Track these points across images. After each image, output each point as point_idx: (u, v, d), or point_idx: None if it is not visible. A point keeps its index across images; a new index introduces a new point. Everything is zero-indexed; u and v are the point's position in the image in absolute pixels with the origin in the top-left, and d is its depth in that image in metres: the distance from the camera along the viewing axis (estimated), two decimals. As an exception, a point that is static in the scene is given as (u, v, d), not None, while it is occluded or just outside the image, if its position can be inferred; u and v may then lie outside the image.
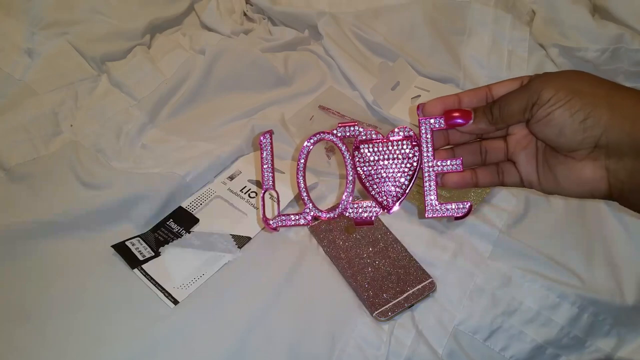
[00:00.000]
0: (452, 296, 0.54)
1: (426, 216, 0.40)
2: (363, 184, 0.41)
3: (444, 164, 0.40)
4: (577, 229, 0.59)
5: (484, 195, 0.61)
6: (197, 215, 0.62)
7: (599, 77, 0.36)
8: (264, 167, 0.41)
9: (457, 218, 0.40)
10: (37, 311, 0.52)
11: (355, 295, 0.54)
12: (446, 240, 0.58)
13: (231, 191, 0.64)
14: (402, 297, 0.53)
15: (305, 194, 0.41)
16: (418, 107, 0.40)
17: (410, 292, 0.53)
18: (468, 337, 0.52)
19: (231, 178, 0.66)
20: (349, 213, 0.40)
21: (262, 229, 0.60)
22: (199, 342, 0.50)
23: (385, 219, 0.60)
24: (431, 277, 0.54)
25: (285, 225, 0.41)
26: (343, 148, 0.41)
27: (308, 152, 0.41)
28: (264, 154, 0.41)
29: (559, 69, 0.77)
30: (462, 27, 0.83)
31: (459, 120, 0.38)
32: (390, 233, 0.58)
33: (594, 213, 0.61)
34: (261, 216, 0.41)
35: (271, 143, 0.41)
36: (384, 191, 0.40)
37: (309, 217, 0.40)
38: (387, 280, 0.54)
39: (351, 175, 0.40)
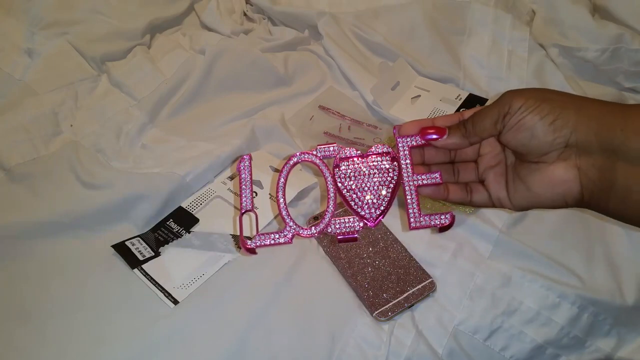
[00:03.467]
0: (452, 296, 0.54)
1: (410, 227, 0.40)
2: (344, 198, 0.41)
3: (423, 177, 0.41)
4: (577, 229, 0.59)
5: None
6: (197, 215, 0.62)
7: (564, 91, 0.38)
8: (243, 188, 0.41)
9: (441, 229, 0.40)
10: (37, 311, 0.52)
11: (355, 295, 0.54)
12: (446, 240, 0.58)
13: (231, 191, 0.64)
14: (402, 297, 0.53)
15: (285, 212, 0.40)
16: (395, 127, 0.42)
17: (410, 292, 0.53)
18: (468, 337, 0.52)
19: (231, 178, 0.66)
20: (331, 229, 0.40)
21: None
22: (199, 342, 0.50)
23: (385, 219, 0.60)
24: (431, 277, 0.54)
25: (264, 245, 0.40)
26: (323, 167, 0.41)
27: (288, 173, 0.41)
28: (243, 175, 0.41)
29: (559, 69, 0.77)
30: (462, 27, 0.83)
31: (434, 135, 0.40)
32: (390, 233, 0.58)
33: (594, 213, 0.61)
34: (239, 239, 0.40)
35: (250, 166, 0.41)
36: (366, 203, 0.40)
37: (290, 235, 0.40)
38: (387, 280, 0.54)
39: (332, 193, 0.41)
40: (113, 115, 0.75)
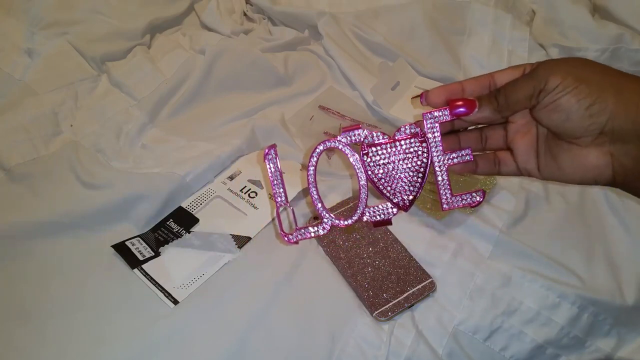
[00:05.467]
0: (452, 296, 0.54)
1: (443, 209, 0.40)
2: (376, 187, 0.41)
3: (454, 156, 0.40)
4: (577, 229, 0.59)
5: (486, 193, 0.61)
6: (197, 215, 0.62)
7: (604, 65, 0.36)
8: (274, 182, 0.40)
9: (473, 206, 0.40)
10: (37, 311, 0.52)
11: (355, 295, 0.54)
12: (446, 240, 0.58)
13: (231, 191, 0.64)
14: (402, 297, 0.52)
15: (319, 204, 0.40)
16: (421, 95, 0.40)
17: (410, 292, 0.53)
18: (468, 337, 0.52)
19: (231, 178, 0.66)
20: (366, 217, 0.41)
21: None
22: (199, 342, 0.50)
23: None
24: (431, 277, 0.54)
25: (305, 238, 0.40)
26: (350, 154, 0.40)
27: (317, 163, 0.40)
28: (272, 169, 0.40)
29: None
30: (462, 27, 0.83)
31: (463, 110, 0.38)
32: (390, 233, 0.58)
33: (594, 213, 0.61)
34: (279, 232, 0.40)
35: (277, 156, 0.40)
36: (398, 191, 0.40)
37: (328, 226, 0.40)
38: (387, 280, 0.54)
39: (363, 180, 0.40)
40: (113, 115, 0.75)
